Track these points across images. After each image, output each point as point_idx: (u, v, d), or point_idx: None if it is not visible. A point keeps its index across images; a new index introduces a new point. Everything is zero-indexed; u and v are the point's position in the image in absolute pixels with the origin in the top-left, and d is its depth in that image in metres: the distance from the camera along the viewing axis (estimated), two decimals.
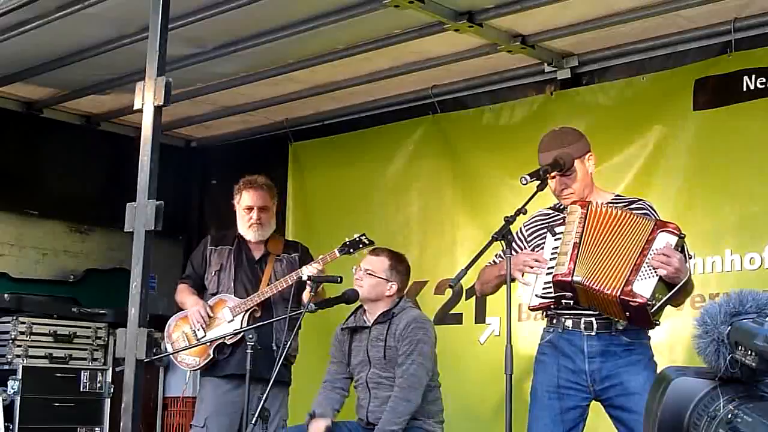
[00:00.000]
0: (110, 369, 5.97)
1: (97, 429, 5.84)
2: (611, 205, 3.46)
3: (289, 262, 4.78)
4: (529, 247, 3.59)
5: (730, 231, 4.45)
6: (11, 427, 5.39)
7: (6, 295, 5.85)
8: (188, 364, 4.72)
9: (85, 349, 5.96)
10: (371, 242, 4.62)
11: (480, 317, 5.27)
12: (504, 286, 3.41)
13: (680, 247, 3.30)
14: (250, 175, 4.84)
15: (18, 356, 5.66)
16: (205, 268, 4.80)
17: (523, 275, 3.46)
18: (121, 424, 2.60)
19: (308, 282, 4.30)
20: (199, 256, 4.83)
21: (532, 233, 3.62)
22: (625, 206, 3.50)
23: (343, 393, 4.41)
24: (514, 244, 3.55)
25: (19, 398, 5.48)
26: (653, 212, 3.51)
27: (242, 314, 4.62)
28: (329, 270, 4.59)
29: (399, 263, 4.39)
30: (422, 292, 5.46)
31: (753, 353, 1.47)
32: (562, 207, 3.58)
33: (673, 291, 3.27)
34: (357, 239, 4.60)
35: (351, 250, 4.60)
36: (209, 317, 4.66)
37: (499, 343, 5.13)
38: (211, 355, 4.64)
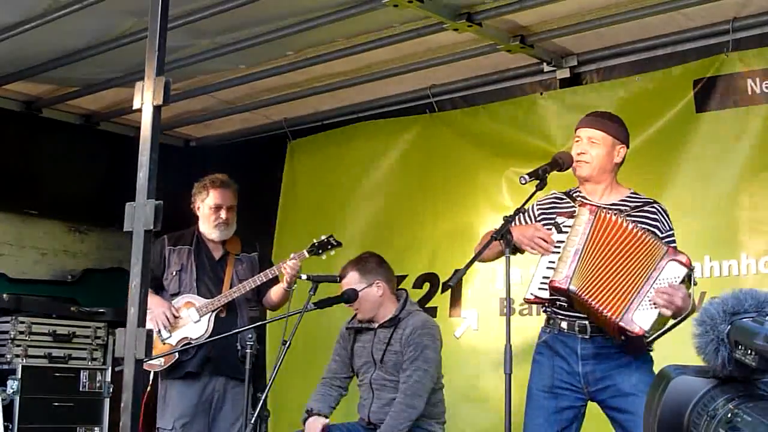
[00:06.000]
0: (109, 368, 5.96)
1: (96, 429, 5.82)
2: (626, 217, 3.39)
3: (249, 262, 4.78)
4: None
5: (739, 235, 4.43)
6: (11, 427, 5.38)
7: (5, 295, 5.83)
8: (152, 365, 4.58)
9: (85, 349, 5.94)
10: (339, 243, 4.65)
11: (454, 311, 5.28)
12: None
13: (687, 278, 3.28)
14: (213, 174, 4.79)
15: (17, 356, 5.64)
16: (164, 268, 4.72)
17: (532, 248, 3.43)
18: (121, 423, 2.59)
19: (312, 283, 4.25)
20: (157, 256, 4.68)
21: (541, 214, 3.58)
22: (636, 207, 3.47)
23: (340, 391, 4.41)
24: (522, 219, 3.55)
25: (18, 398, 5.46)
26: (664, 216, 3.47)
27: (209, 314, 4.59)
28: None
29: (364, 263, 4.37)
30: (401, 285, 5.44)
31: (753, 352, 1.47)
32: (576, 195, 3.56)
33: (671, 324, 3.27)
34: (325, 240, 4.63)
35: (320, 251, 4.62)
36: (174, 318, 4.60)
37: (475, 337, 5.17)
38: (177, 356, 4.58)
